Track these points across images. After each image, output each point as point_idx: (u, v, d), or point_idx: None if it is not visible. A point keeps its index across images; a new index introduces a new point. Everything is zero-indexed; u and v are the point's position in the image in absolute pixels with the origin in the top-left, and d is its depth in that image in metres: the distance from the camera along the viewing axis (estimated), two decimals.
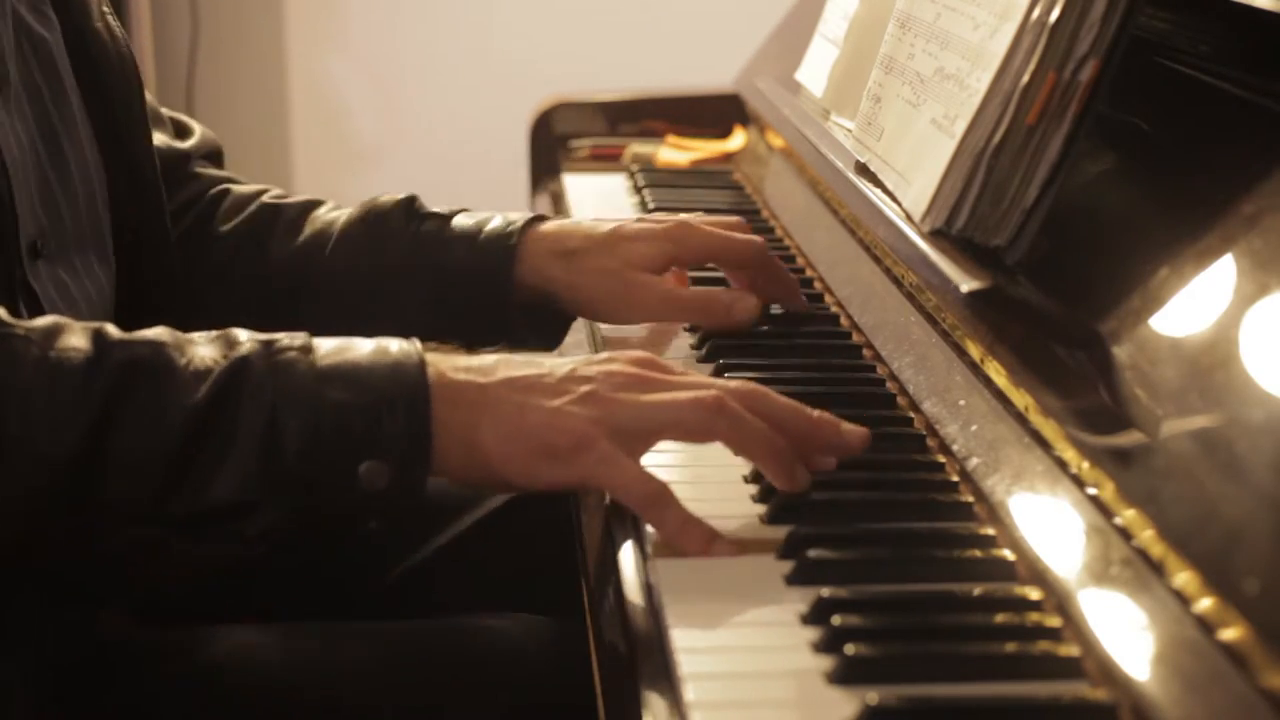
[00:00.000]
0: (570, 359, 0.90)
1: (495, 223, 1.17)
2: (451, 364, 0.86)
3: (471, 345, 1.18)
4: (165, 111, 1.30)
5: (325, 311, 1.19)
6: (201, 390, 0.82)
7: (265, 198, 1.26)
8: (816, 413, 0.89)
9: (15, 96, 1.01)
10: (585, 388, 0.86)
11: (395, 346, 0.86)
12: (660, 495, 0.85)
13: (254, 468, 0.81)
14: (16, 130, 1.00)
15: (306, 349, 0.85)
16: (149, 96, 1.22)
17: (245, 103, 2.86)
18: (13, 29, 1.02)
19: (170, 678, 0.99)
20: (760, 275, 1.18)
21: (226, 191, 1.27)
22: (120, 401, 0.81)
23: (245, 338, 0.86)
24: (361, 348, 0.86)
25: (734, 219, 1.21)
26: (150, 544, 0.83)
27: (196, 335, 0.86)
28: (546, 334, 1.20)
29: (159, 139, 1.24)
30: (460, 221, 1.18)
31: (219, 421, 0.82)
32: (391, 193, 1.22)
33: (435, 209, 1.20)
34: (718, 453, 0.95)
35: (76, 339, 0.83)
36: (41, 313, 1.00)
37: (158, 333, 0.85)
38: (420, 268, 1.17)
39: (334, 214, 1.23)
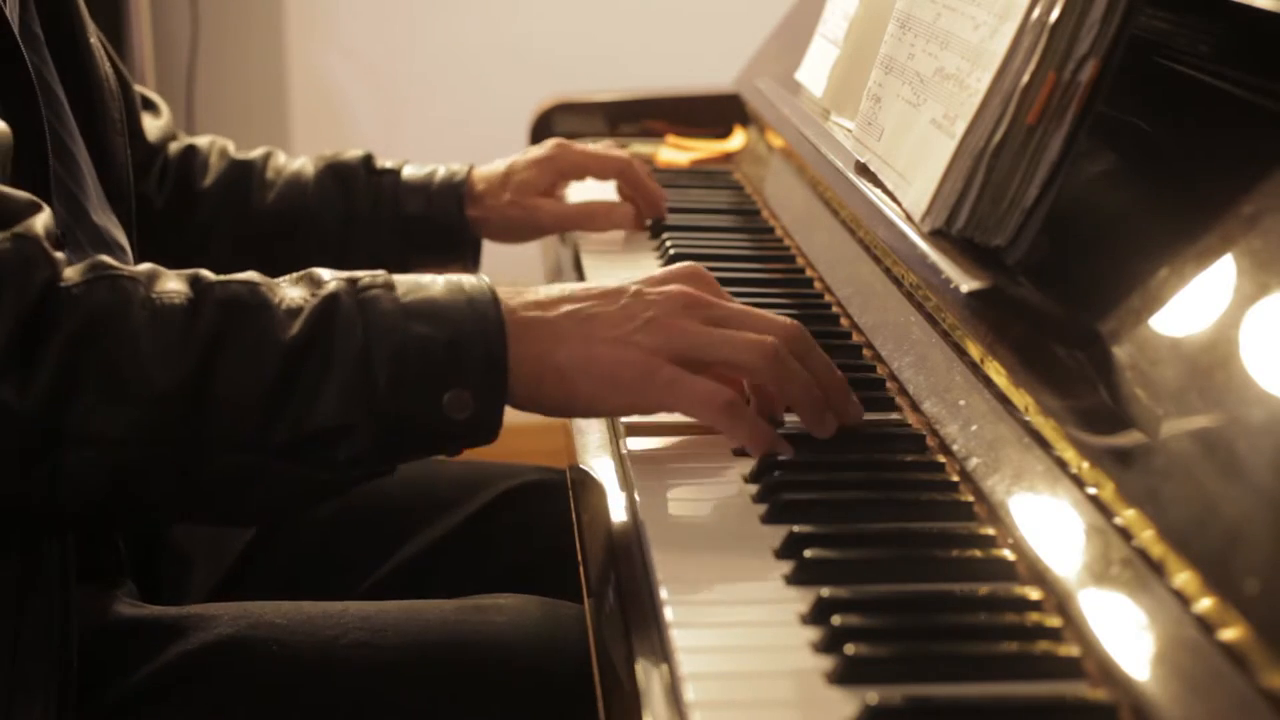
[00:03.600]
0: (629, 282, 0.95)
1: (441, 173, 1.44)
2: (519, 299, 0.92)
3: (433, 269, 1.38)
4: (137, 89, 1.38)
5: (311, 248, 1.40)
6: (296, 325, 0.87)
7: (228, 151, 1.45)
8: (840, 374, 0.97)
9: None
10: (647, 314, 0.92)
11: (468, 283, 0.92)
12: (733, 406, 0.92)
13: (351, 393, 0.86)
14: None
15: (389, 285, 0.90)
16: (137, 87, 1.37)
17: (245, 103, 2.86)
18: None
19: (181, 655, 1.00)
20: (628, 186, 1.48)
21: (190, 147, 1.42)
22: (224, 338, 0.86)
23: (329, 276, 0.91)
24: (436, 284, 0.92)
25: (606, 143, 1.56)
26: (244, 473, 0.87)
27: (281, 279, 0.91)
28: (478, 258, 1.48)
29: (157, 124, 1.40)
30: (409, 173, 1.44)
31: (316, 353, 0.87)
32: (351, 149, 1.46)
33: (387, 163, 1.45)
34: (718, 451, 0.96)
35: (174, 283, 0.88)
36: None
37: (250, 275, 0.90)
38: (385, 213, 1.42)
39: (296, 163, 1.45)
